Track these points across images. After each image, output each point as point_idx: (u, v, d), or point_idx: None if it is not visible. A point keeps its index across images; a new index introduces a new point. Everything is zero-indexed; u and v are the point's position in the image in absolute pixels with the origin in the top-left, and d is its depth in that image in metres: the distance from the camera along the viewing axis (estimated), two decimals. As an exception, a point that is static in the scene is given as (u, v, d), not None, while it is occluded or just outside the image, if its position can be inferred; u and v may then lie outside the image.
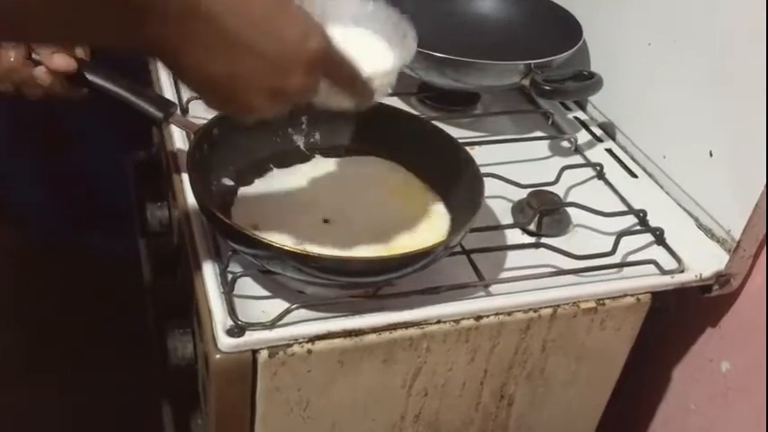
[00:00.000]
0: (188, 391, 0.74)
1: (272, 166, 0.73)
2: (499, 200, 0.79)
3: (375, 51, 0.63)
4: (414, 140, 0.74)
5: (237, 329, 0.59)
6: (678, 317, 0.81)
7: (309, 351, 0.61)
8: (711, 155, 0.75)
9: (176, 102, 0.78)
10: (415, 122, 0.76)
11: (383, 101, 0.68)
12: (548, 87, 0.79)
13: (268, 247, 0.58)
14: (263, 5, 0.50)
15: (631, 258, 0.72)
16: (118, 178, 1.28)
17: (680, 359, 0.83)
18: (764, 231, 0.70)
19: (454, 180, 0.70)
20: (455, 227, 0.68)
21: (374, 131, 0.74)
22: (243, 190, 0.71)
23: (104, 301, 1.47)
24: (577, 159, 0.86)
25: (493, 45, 0.89)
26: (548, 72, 0.83)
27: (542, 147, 0.88)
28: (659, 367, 0.85)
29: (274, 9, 0.50)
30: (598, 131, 0.90)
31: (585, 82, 0.82)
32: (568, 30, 0.89)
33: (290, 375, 0.62)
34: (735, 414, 0.78)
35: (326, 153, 0.76)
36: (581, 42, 0.87)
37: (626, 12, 0.85)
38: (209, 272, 0.64)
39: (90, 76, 0.69)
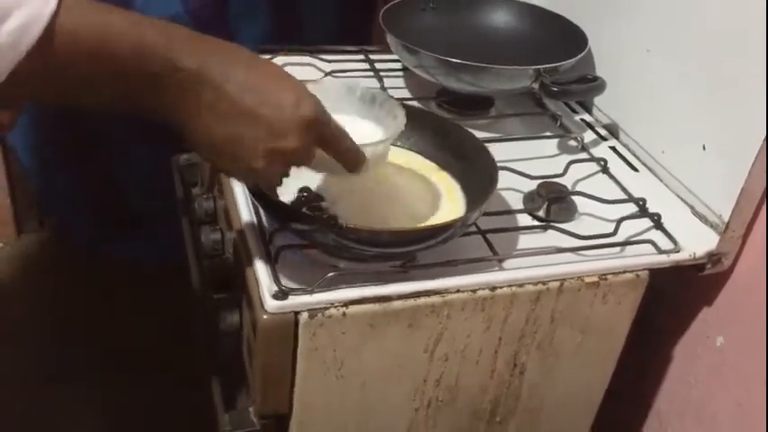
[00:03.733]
0: (234, 368, 0.82)
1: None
2: (512, 191, 0.87)
3: (363, 132, 0.71)
4: (433, 134, 0.83)
5: (282, 294, 0.68)
6: (677, 297, 0.89)
7: (344, 314, 0.69)
8: (704, 148, 0.83)
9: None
10: (434, 119, 0.85)
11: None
12: (555, 89, 0.88)
13: (312, 220, 0.67)
14: (259, 74, 0.57)
15: (631, 239, 0.80)
16: (150, 184, 1.35)
17: (680, 337, 0.91)
18: (751, 213, 0.78)
19: (470, 166, 0.79)
20: (471, 206, 0.76)
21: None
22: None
23: (138, 308, 1.55)
24: (583, 155, 0.94)
25: (506, 53, 0.98)
26: (555, 76, 0.91)
27: (551, 145, 0.97)
28: (661, 345, 0.93)
29: (270, 77, 0.57)
30: (603, 131, 0.99)
31: (589, 84, 0.90)
32: (574, 39, 0.98)
33: (327, 336, 0.70)
34: (731, 386, 0.85)
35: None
36: (586, 50, 0.95)
37: (627, 22, 0.94)
38: (256, 246, 0.72)
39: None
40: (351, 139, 0.64)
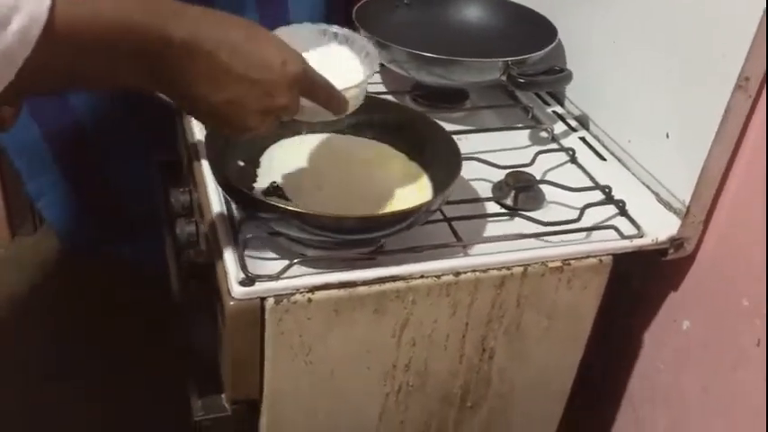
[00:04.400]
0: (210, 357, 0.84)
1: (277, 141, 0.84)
2: (481, 181, 0.89)
3: (347, 67, 0.74)
4: (401, 125, 0.85)
5: (248, 280, 0.70)
6: (645, 283, 0.90)
7: (309, 300, 0.71)
8: (668, 137, 0.85)
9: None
10: (403, 111, 0.87)
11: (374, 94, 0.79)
12: (522, 80, 0.90)
13: (275, 209, 0.69)
14: (246, 38, 0.59)
15: (594, 225, 0.82)
16: (146, 185, 1.37)
17: (649, 322, 0.92)
18: (711, 199, 0.80)
19: (437, 155, 0.80)
20: (436, 193, 0.78)
21: (364, 117, 0.85)
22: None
23: (134, 309, 1.56)
24: (553, 146, 0.95)
25: (477, 47, 1.00)
26: (524, 68, 0.93)
27: (523, 136, 0.99)
28: (631, 330, 0.94)
29: (255, 40, 0.60)
30: (573, 123, 1.00)
31: (556, 75, 0.92)
32: (544, 33, 0.99)
33: (293, 322, 0.72)
34: (697, 370, 0.87)
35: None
36: (555, 43, 0.97)
37: (596, 15, 0.95)
38: (225, 235, 0.74)
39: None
40: (332, 86, 0.67)
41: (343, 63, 0.75)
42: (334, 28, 0.75)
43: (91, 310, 1.58)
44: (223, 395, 0.78)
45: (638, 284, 0.91)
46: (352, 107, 0.72)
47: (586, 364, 0.91)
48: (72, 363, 1.46)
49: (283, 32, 0.67)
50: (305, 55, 0.65)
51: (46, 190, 1.68)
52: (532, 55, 0.94)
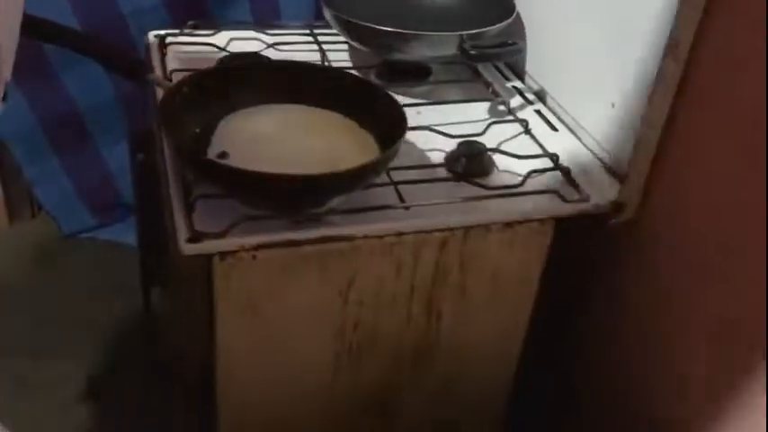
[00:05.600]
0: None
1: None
2: (436, 151, 0.92)
3: None
4: (352, 94, 0.88)
5: (195, 237, 0.73)
6: (594, 250, 0.93)
7: (254, 257, 0.74)
8: (613, 106, 0.87)
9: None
10: (354, 80, 0.90)
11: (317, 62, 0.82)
12: (473, 52, 0.93)
13: (213, 166, 0.72)
14: None
15: (538, 190, 0.84)
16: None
17: (599, 288, 0.95)
18: (649, 163, 0.82)
19: (385, 122, 0.83)
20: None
21: (320, 88, 0.88)
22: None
23: (130, 293, 1.59)
24: (508, 118, 0.98)
25: (435, 21, 1.03)
26: (478, 42, 0.96)
27: (481, 110, 1.01)
28: (582, 299, 0.97)
29: None
30: (531, 97, 1.03)
31: (507, 48, 0.95)
32: (504, 8, 1.02)
33: (239, 279, 0.75)
34: (641, 333, 0.89)
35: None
36: (512, 18, 1.00)
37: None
38: (176, 197, 0.78)
39: (76, 40, 0.84)
40: None
41: None
42: None
43: (88, 295, 1.61)
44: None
45: (587, 251, 0.93)
46: None
47: (541, 333, 0.94)
48: (68, 346, 1.49)
49: None
50: None
51: (43, 176, 1.71)
52: (488, 29, 0.97)
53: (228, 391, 0.84)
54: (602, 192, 0.85)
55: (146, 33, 1.09)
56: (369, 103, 0.87)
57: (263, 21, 1.14)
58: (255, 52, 1.06)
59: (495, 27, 0.98)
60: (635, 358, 0.90)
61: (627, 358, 0.92)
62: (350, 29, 1.00)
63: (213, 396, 0.82)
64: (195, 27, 1.10)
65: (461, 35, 0.95)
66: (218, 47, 1.07)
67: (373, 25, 0.96)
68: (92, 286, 1.62)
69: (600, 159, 0.90)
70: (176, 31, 1.09)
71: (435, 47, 0.98)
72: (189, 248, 0.73)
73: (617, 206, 0.84)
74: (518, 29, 1.04)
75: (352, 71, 1.05)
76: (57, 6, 1.34)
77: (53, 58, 1.45)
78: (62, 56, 1.42)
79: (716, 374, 0.77)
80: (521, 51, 0.96)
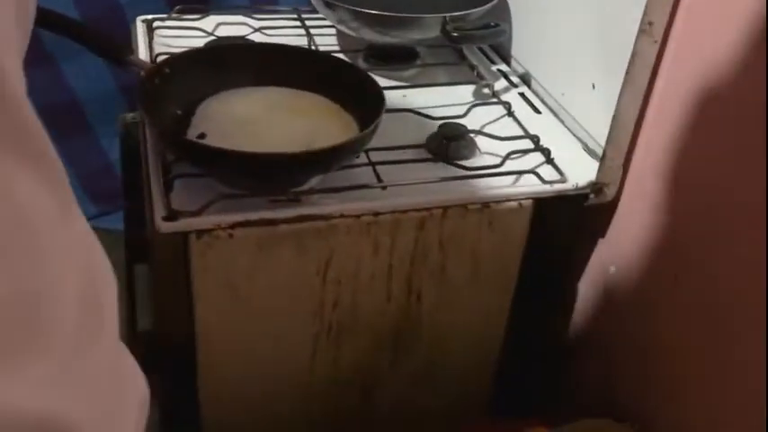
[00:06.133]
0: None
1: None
2: (417, 134, 0.92)
3: None
4: (335, 77, 0.88)
5: (171, 215, 0.74)
6: (576, 232, 0.93)
7: (231, 235, 0.75)
8: (594, 87, 0.87)
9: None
10: (336, 63, 0.90)
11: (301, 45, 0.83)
12: (455, 34, 0.93)
13: (191, 145, 0.73)
14: None
15: (517, 171, 0.85)
16: None
17: (581, 270, 0.95)
18: (627, 143, 0.82)
19: (364, 102, 0.84)
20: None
21: (303, 71, 0.89)
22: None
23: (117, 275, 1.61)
24: (492, 100, 0.98)
25: (420, 4, 1.02)
26: (462, 24, 0.96)
27: (466, 92, 1.01)
28: (564, 280, 0.97)
29: None
30: (516, 80, 1.03)
31: (490, 30, 0.95)
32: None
33: (216, 257, 0.76)
34: (622, 316, 0.89)
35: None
36: (496, 1, 1.00)
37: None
38: (154, 176, 0.79)
39: (55, 20, 0.85)
40: None
41: None
42: None
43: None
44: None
45: (569, 232, 0.93)
46: None
47: (524, 315, 0.94)
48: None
49: None
50: None
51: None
52: (471, 11, 0.97)
53: (208, 369, 0.85)
54: (582, 173, 0.85)
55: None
56: (352, 86, 0.87)
57: (260, 5, 1.14)
58: (242, 36, 1.07)
59: (478, 9, 0.98)
60: (615, 342, 0.91)
61: (607, 343, 0.92)
62: (335, 12, 1.00)
63: (194, 372, 0.83)
64: (182, 12, 1.11)
65: (444, 17, 0.95)
66: (205, 31, 1.07)
67: (356, 8, 0.96)
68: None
69: (581, 140, 0.90)
70: (164, 16, 1.10)
71: (418, 30, 0.98)
72: (165, 226, 0.73)
73: (596, 186, 0.84)
74: (504, 12, 1.04)
75: (339, 55, 1.05)
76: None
77: (53, 47, 1.46)
78: (62, 46, 1.43)
79: (702, 345, 0.77)
80: (504, 33, 0.96)
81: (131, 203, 1.00)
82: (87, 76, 1.53)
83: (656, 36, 0.75)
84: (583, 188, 0.84)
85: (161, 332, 0.82)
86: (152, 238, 0.74)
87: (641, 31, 0.74)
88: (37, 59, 1.46)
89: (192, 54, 0.90)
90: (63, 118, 1.61)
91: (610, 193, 0.85)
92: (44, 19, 0.89)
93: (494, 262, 0.86)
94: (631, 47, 0.77)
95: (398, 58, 1.07)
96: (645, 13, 0.74)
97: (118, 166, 1.66)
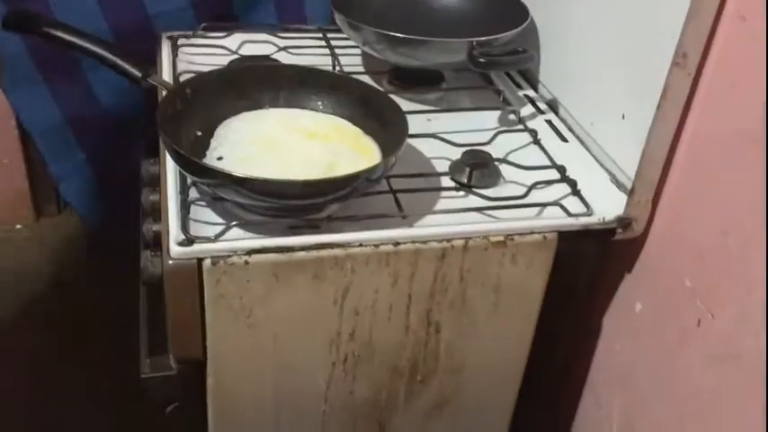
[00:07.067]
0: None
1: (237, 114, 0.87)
2: (441, 159, 0.90)
3: None
4: (358, 101, 0.87)
5: (187, 241, 0.72)
6: (602, 264, 0.90)
7: (247, 262, 0.73)
8: (624, 117, 0.85)
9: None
10: (359, 86, 0.88)
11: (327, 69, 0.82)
12: (482, 59, 0.91)
13: (211, 171, 0.72)
14: None
15: (542, 203, 0.82)
16: None
17: (606, 304, 0.92)
18: (657, 179, 0.80)
19: (389, 130, 0.82)
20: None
21: (326, 93, 0.88)
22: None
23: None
24: (518, 127, 0.96)
25: (447, 28, 1.01)
26: (489, 49, 0.94)
27: (491, 118, 0.99)
28: (590, 314, 0.94)
29: None
30: (543, 106, 1.01)
31: (517, 56, 0.93)
32: (517, 16, 1.00)
33: (231, 284, 0.74)
34: (647, 351, 0.86)
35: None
36: (524, 26, 0.98)
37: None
38: (172, 198, 0.77)
39: (77, 39, 0.84)
40: None
41: None
42: None
43: (113, 290, 1.62)
44: (171, 355, 0.81)
45: (594, 266, 0.91)
46: None
47: (547, 348, 0.91)
48: (93, 340, 1.50)
49: None
50: None
51: (68, 173, 1.73)
52: (498, 36, 0.95)
53: (220, 397, 0.83)
54: (609, 206, 0.82)
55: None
56: (374, 109, 0.86)
57: (287, 23, 1.13)
58: (266, 56, 1.06)
59: (505, 34, 0.96)
60: (637, 376, 0.88)
61: (630, 376, 0.89)
62: (360, 34, 0.99)
63: (203, 400, 0.82)
64: (208, 29, 1.10)
65: (471, 42, 0.93)
66: (229, 49, 1.07)
67: (383, 31, 0.94)
68: (117, 281, 1.64)
69: (608, 171, 0.88)
70: (189, 33, 1.09)
71: (444, 54, 0.96)
72: (178, 252, 0.72)
73: (623, 221, 0.81)
74: (532, 36, 1.02)
75: (364, 76, 1.04)
76: (86, 9, 1.35)
77: (81, 56, 1.46)
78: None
79: (717, 401, 0.74)
80: (532, 60, 0.93)
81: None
82: (114, 88, 1.54)
83: (689, 69, 0.72)
84: (610, 222, 0.81)
85: (176, 357, 0.80)
86: (164, 261, 0.73)
87: (675, 64, 0.72)
88: (64, 67, 1.46)
89: (214, 75, 0.89)
90: (89, 127, 1.61)
91: (638, 228, 0.82)
92: (67, 40, 0.88)
93: (516, 294, 0.84)
94: (664, 79, 0.75)
95: (423, 81, 1.05)
96: (679, 45, 0.71)
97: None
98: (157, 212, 0.86)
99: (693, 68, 0.72)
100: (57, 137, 1.66)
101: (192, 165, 0.74)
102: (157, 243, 0.81)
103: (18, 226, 1.87)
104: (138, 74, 0.86)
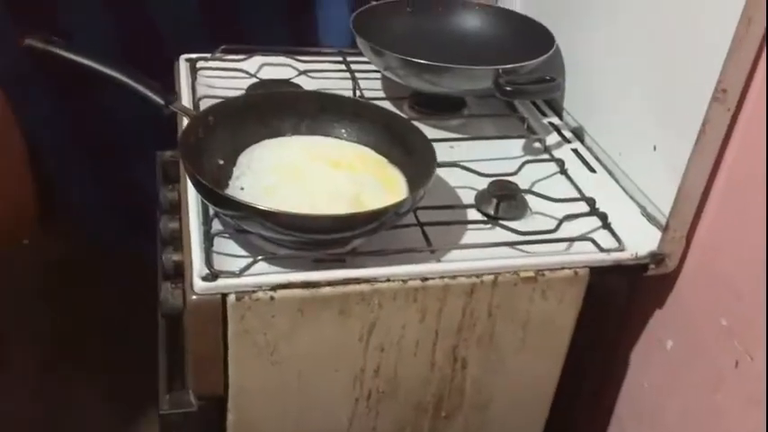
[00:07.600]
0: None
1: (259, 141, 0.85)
2: (466, 189, 0.88)
3: None
4: (383, 129, 0.85)
5: (211, 276, 0.70)
6: (631, 299, 0.88)
7: (272, 298, 0.71)
8: (655, 149, 0.83)
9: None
10: (384, 114, 0.87)
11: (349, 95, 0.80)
12: (508, 88, 0.89)
13: (236, 204, 0.70)
14: None
15: (573, 237, 0.80)
16: None
17: (635, 340, 0.90)
18: (692, 214, 0.78)
19: (415, 160, 0.80)
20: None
21: (349, 121, 0.86)
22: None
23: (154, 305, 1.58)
24: (544, 156, 0.94)
25: (474, 55, 0.99)
26: (514, 77, 0.92)
27: (516, 146, 0.97)
28: (618, 348, 0.92)
29: None
30: (568, 134, 0.99)
31: (545, 84, 0.91)
32: (542, 43, 0.98)
33: (256, 319, 0.72)
34: (678, 390, 0.84)
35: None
36: (549, 54, 0.96)
37: (594, 27, 0.94)
38: (194, 231, 0.75)
39: (100, 66, 0.82)
40: None
41: None
42: None
43: (118, 303, 1.61)
44: (191, 390, 0.79)
45: (625, 300, 0.89)
46: None
47: (575, 382, 0.89)
48: (95, 353, 1.48)
49: None
50: None
51: (74, 187, 1.72)
52: (524, 64, 0.93)
53: (241, 431, 0.81)
54: (641, 240, 0.80)
55: (180, 56, 1.07)
56: (400, 138, 0.84)
57: (300, 44, 1.12)
58: (286, 80, 1.04)
59: (531, 62, 0.94)
60: (667, 414, 0.85)
61: (659, 414, 0.87)
62: (383, 59, 0.97)
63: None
64: (226, 52, 1.08)
65: (497, 69, 0.92)
66: (248, 73, 1.05)
67: (406, 57, 0.93)
68: (122, 295, 1.62)
69: (639, 204, 0.86)
70: (207, 55, 1.07)
71: (469, 81, 0.95)
72: (202, 287, 0.70)
73: (656, 257, 0.79)
74: (557, 63, 1.01)
75: (384, 102, 1.02)
76: (100, 27, 1.33)
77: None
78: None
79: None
80: (558, 89, 0.92)
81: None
82: (125, 102, 1.51)
83: (729, 104, 0.71)
84: (642, 258, 0.79)
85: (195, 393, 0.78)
86: (188, 296, 0.71)
87: (714, 99, 0.70)
88: (75, 81, 1.44)
89: (236, 102, 0.87)
90: (98, 141, 1.59)
91: (671, 264, 0.80)
92: (86, 65, 0.87)
93: (545, 330, 0.82)
94: (700, 113, 0.73)
95: (445, 107, 1.03)
96: (719, 80, 0.69)
97: (149, 190, 1.65)
98: (177, 241, 0.85)
99: (733, 104, 0.70)
100: (63, 150, 1.64)
101: (216, 196, 0.72)
102: (178, 273, 0.80)
103: (25, 241, 1.85)
104: (160, 101, 0.84)
